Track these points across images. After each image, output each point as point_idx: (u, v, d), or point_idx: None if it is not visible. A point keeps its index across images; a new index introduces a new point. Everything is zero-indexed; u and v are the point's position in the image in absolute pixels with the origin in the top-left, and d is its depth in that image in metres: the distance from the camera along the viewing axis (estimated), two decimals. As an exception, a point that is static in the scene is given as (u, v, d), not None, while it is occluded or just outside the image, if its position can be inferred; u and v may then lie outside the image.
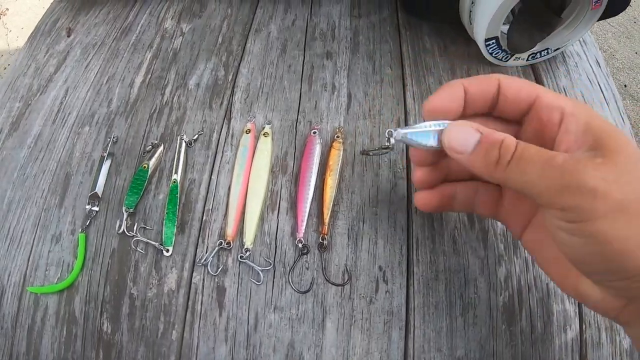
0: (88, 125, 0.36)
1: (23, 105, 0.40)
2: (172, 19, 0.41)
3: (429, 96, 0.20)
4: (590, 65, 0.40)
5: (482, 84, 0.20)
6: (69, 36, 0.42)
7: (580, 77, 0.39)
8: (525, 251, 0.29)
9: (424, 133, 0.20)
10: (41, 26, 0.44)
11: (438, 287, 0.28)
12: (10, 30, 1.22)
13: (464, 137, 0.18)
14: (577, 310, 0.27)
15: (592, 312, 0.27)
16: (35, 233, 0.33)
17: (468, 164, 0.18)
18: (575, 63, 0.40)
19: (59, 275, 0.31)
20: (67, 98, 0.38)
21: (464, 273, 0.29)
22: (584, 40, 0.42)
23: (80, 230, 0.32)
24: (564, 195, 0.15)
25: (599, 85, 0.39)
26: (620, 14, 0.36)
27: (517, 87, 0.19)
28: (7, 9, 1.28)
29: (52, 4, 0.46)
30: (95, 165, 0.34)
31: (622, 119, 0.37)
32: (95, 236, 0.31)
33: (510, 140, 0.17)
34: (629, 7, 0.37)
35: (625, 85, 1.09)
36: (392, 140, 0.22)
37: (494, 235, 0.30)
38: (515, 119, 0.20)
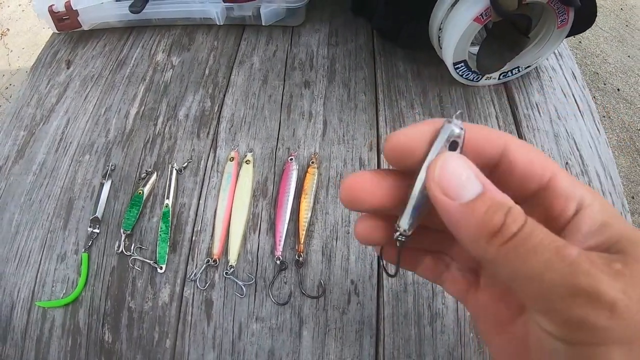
0: (88, 154, 0.42)
1: (27, 134, 0.46)
2: (163, 52, 0.48)
3: (395, 131, 0.15)
4: (566, 78, 0.44)
5: (482, 138, 0.14)
6: (68, 68, 0.49)
7: (554, 91, 0.43)
8: None
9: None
10: (42, 57, 0.51)
11: (407, 298, 0.34)
12: (12, 51, 1.29)
13: (464, 178, 0.13)
14: None
15: None
16: (42, 253, 0.39)
17: (454, 218, 0.13)
18: (550, 77, 0.44)
19: (64, 290, 0.37)
20: (68, 128, 0.44)
21: (431, 285, 0.34)
22: (559, 53, 0.46)
23: (83, 250, 0.38)
24: (571, 302, 0.11)
25: (574, 97, 0.43)
26: (612, 18, 0.40)
27: (529, 159, 0.14)
28: (8, 30, 1.35)
29: (51, 36, 0.53)
30: (96, 191, 0.40)
31: (598, 129, 0.41)
32: (97, 255, 0.37)
33: (519, 209, 0.12)
34: (620, 10, 0.41)
35: (618, 89, 1.13)
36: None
37: None
38: (514, 197, 0.13)
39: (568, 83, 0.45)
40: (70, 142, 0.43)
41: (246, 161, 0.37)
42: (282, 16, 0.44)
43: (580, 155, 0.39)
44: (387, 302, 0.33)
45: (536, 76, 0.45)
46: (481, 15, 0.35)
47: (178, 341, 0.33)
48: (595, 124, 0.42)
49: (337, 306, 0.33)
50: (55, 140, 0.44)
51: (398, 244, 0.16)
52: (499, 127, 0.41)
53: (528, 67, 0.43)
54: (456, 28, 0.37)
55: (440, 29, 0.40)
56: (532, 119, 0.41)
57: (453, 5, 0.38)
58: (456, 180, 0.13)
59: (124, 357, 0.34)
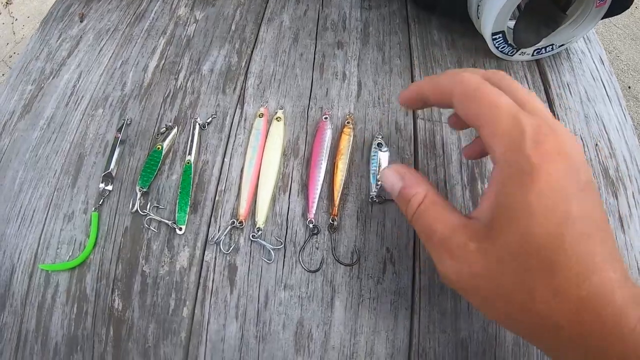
0: (102, 107, 0.39)
1: (35, 88, 0.42)
2: (185, 6, 0.44)
3: (401, 91, 0.26)
4: (594, 62, 0.43)
5: (437, 93, 0.23)
6: (81, 21, 0.45)
7: (584, 73, 0.41)
8: None
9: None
10: (53, 12, 0.47)
11: None
12: (16, 19, 1.26)
13: (391, 181, 0.24)
14: None
15: None
16: (47, 212, 0.35)
17: (396, 200, 0.24)
18: (579, 59, 0.42)
19: (70, 253, 0.33)
20: (80, 81, 0.41)
21: None
22: (588, 38, 0.45)
23: (93, 209, 0.34)
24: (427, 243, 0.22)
25: (602, 82, 0.41)
26: (626, 15, 0.39)
27: (464, 113, 0.21)
28: None
29: (64, -11, 0.49)
30: (109, 146, 0.36)
31: (624, 115, 0.39)
32: (108, 215, 0.34)
33: (417, 198, 0.22)
34: (635, 9, 0.39)
35: (629, 87, 1.12)
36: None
37: None
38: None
39: (596, 67, 0.43)
40: (82, 96, 0.40)
41: (277, 118, 0.34)
42: (315, -26, 0.41)
43: (609, 139, 0.37)
44: (424, 272, 0.30)
45: (567, 57, 0.43)
46: None
47: (197, 309, 0.30)
48: (622, 110, 0.40)
49: (371, 275, 0.30)
50: (65, 94, 0.40)
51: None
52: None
53: (562, 45, 0.41)
54: None
55: (480, -3, 0.37)
56: (564, 98, 0.39)
57: None
58: (387, 184, 0.25)
59: (136, 326, 0.30)
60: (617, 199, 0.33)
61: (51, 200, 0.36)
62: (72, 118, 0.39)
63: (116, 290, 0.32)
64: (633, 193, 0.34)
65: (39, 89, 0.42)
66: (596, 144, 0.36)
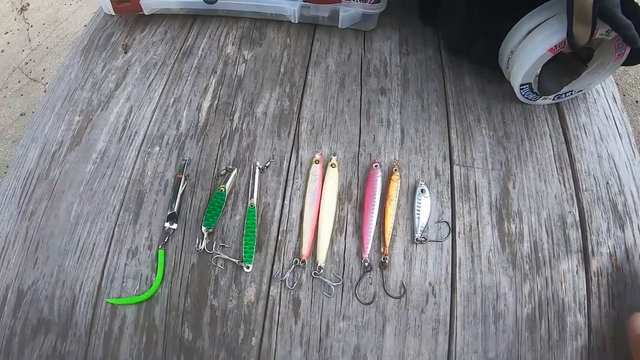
0: (158, 145, 0.40)
1: (84, 120, 0.43)
2: (232, 44, 0.46)
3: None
4: (607, 101, 0.47)
5: None
6: (126, 52, 0.46)
7: (598, 113, 0.46)
8: (546, 271, 0.36)
9: None
10: (94, 40, 0.47)
11: (476, 300, 0.35)
12: (32, 26, 1.19)
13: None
14: (586, 322, 0.34)
15: (600, 324, 0.34)
16: (109, 247, 0.37)
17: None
18: (594, 99, 0.47)
19: (137, 287, 0.36)
20: (131, 116, 0.42)
21: (496, 288, 0.36)
22: (603, 81, 0.48)
23: (159, 246, 0.36)
24: None
25: (614, 120, 0.46)
26: None
27: None
28: (28, 4, 1.25)
29: (102, 17, 0.49)
30: (169, 185, 0.38)
31: (633, 151, 0.44)
32: (174, 252, 0.36)
33: None
34: None
35: (637, 102, 1.13)
36: None
37: (521, 257, 0.37)
38: None
39: (609, 106, 0.47)
40: (136, 132, 0.41)
41: (331, 165, 0.37)
42: (357, 20, 0.44)
43: (619, 176, 0.42)
44: (460, 303, 0.35)
45: (583, 98, 0.47)
46: (555, 46, 0.37)
47: (265, 338, 0.33)
48: (631, 146, 0.45)
49: (416, 305, 0.35)
50: (117, 129, 0.42)
51: None
52: (552, 145, 0.43)
53: (580, 91, 0.45)
54: (530, 56, 0.39)
55: (512, 52, 0.41)
56: (580, 139, 0.44)
57: (528, 32, 0.39)
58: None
59: (206, 355, 0.34)
60: (623, 231, 0.38)
61: (112, 235, 0.37)
62: (126, 154, 0.40)
63: (186, 322, 0.34)
64: (638, 225, 0.38)
65: (87, 120, 0.43)
66: (607, 182, 0.41)
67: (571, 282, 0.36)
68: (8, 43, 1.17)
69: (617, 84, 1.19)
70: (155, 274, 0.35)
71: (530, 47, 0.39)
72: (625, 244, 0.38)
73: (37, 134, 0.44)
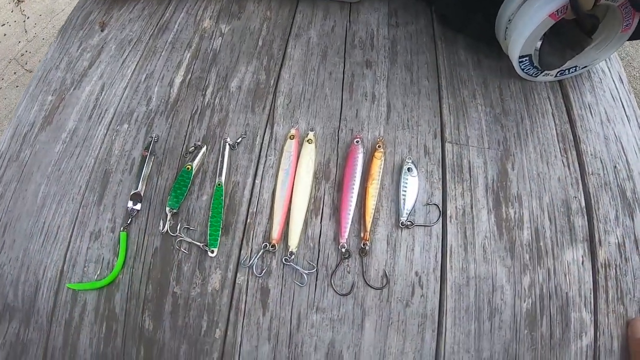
0: (127, 123, 0.38)
1: (56, 99, 0.41)
2: (210, 18, 0.43)
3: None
4: (614, 82, 0.43)
5: None
6: (102, 31, 0.44)
7: (604, 93, 0.42)
8: (548, 261, 0.32)
9: None
10: (72, 19, 0.46)
11: (469, 292, 0.31)
12: (28, 17, 1.22)
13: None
14: (593, 319, 0.31)
15: (607, 320, 0.31)
16: (73, 229, 0.35)
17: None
18: (600, 79, 0.43)
19: (98, 272, 0.33)
20: (103, 94, 0.40)
21: (492, 280, 0.32)
22: (608, 57, 0.45)
23: (121, 228, 0.33)
24: None
25: (622, 102, 0.42)
26: None
27: None
28: None
29: (82, -4, 0.47)
30: (135, 163, 0.36)
31: None
32: (137, 235, 0.33)
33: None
34: None
35: None
36: None
37: (520, 245, 0.33)
38: None
39: (616, 87, 0.43)
40: (106, 110, 0.39)
41: (308, 140, 0.34)
42: (341, -10, 0.40)
43: (627, 160, 0.38)
44: (450, 296, 0.31)
45: (587, 77, 0.43)
46: (557, 11, 0.33)
47: (229, 331, 0.30)
48: None
49: (400, 298, 0.31)
50: (88, 107, 0.39)
51: None
52: (555, 124, 0.39)
53: (585, 67, 0.41)
54: (530, 22, 0.35)
55: (509, 20, 0.37)
56: (585, 119, 0.40)
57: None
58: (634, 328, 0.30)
59: (167, 347, 0.30)
60: (633, 220, 0.34)
61: (76, 217, 0.35)
62: (96, 132, 0.38)
63: (147, 311, 0.31)
64: None
65: (60, 100, 0.41)
66: (615, 166, 0.37)
67: (576, 274, 0.32)
68: (5, 35, 1.19)
69: None
70: (117, 258, 0.33)
71: (529, 13, 0.35)
72: (634, 234, 0.33)
73: (12, 116, 0.42)
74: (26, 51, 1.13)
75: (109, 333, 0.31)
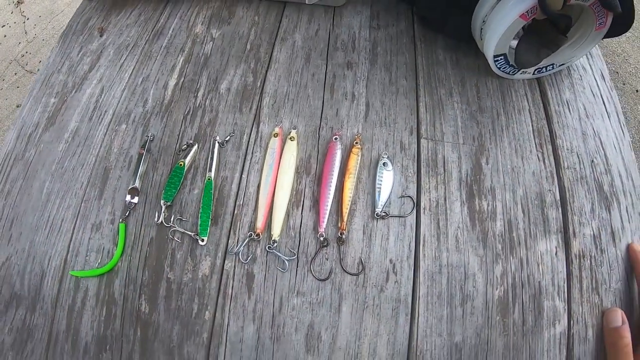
0: (125, 123, 0.41)
1: (59, 101, 0.44)
2: (202, 24, 0.46)
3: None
4: (595, 79, 0.44)
5: None
6: (101, 36, 0.47)
7: (584, 90, 0.43)
8: (521, 251, 0.34)
9: None
10: (73, 25, 0.49)
11: (441, 279, 0.33)
12: (28, 18, 1.25)
13: (614, 317, 0.31)
14: (566, 307, 0.32)
15: (581, 309, 0.32)
16: (76, 222, 0.38)
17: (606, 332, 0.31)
18: (580, 76, 0.44)
19: (99, 260, 0.36)
20: (102, 96, 0.43)
21: (464, 268, 0.34)
22: (590, 54, 0.46)
23: (120, 220, 0.36)
24: None
25: (602, 98, 0.43)
26: (636, 18, 0.38)
27: None
28: None
29: (82, 3, 0.50)
30: (133, 161, 0.39)
31: (623, 131, 0.41)
32: (134, 226, 0.36)
33: (623, 342, 0.30)
34: None
35: (637, 90, 1.10)
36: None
37: (493, 236, 0.35)
38: None
39: (597, 83, 0.45)
40: (105, 111, 0.42)
41: (290, 138, 0.36)
42: (325, -5, 0.43)
43: (605, 155, 0.39)
44: (423, 282, 0.33)
45: (567, 74, 0.44)
46: (527, 12, 0.35)
47: (218, 313, 0.33)
48: (621, 126, 0.42)
49: (375, 284, 0.33)
50: (88, 109, 0.42)
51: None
52: (532, 121, 0.41)
53: (562, 64, 0.43)
54: (501, 22, 0.37)
55: (484, 21, 0.39)
56: (563, 115, 0.41)
57: (499, 0, 0.37)
58: (612, 317, 0.32)
59: (161, 328, 0.33)
60: (610, 213, 0.35)
61: (79, 210, 0.38)
62: (96, 132, 0.41)
63: (143, 295, 0.34)
64: (627, 207, 0.36)
65: (62, 102, 0.44)
66: (592, 161, 0.38)
67: (549, 264, 0.33)
68: (5, 36, 1.23)
69: (617, 72, 1.14)
70: (116, 248, 0.36)
71: (501, 14, 0.37)
72: (611, 226, 0.35)
73: (16, 117, 0.45)
74: (26, 52, 1.17)
75: (109, 316, 0.34)
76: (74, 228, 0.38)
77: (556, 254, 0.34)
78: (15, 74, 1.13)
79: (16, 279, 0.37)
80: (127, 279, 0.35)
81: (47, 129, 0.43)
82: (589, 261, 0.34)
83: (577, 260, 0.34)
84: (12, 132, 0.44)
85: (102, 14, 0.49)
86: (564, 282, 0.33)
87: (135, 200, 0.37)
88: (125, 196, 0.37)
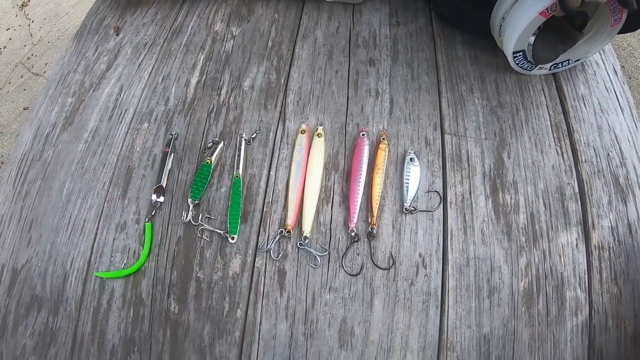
0: (147, 122, 0.40)
1: (76, 101, 0.43)
2: (221, 21, 0.46)
3: None
4: (608, 74, 0.45)
5: None
6: (117, 35, 0.46)
7: (597, 85, 0.44)
8: (543, 243, 0.35)
9: None
10: (87, 24, 0.48)
11: (469, 272, 0.34)
12: (33, 21, 1.24)
13: None
14: (587, 298, 0.33)
15: (601, 300, 0.33)
16: (99, 222, 0.37)
17: None
18: (594, 71, 0.45)
19: (124, 261, 0.36)
20: (122, 95, 0.42)
21: (490, 261, 0.34)
22: (602, 49, 0.47)
23: (146, 219, 0.36)
24: None
25: (615, 93, 0.44)
26: None
27: None
28: (29, 0, 1.29)
29: (95, 2, 0.50)
30: (157, 160, 0.38)
31: (636, 125, 0.42)
32: (161, 225, 0.36)
33: None
34: None
35: None
36: None
37: (516, 229, 0.35)
38: None
39: (610, 78, 0.46)
40: (126, 110, 0.41)
41: (317, 134, 0.37)
42: (345, -7, 0.43)
43: (620, 149, 0.40)
44: (452, 275, 0.34)
45: (581, 69, 0.45)
46: (547, 9, 0.36)
47: (250, 311, 0.33)
48: (634, 120, 0.43)
49: (406, 277, 0.33)
50: (107, 108, 0.42)
51: None
52: (549, 116, 0.42)
53: (577, 60, 0.44)
54: (521, 19, 0.38)
55: (503, 18, 0.40)
56: (579, 110, 0.42)
57: None
58: None
59: (192, 328, 0.33)
60: (626, 205, 0.36)
61: (102, 210, 0.38)
62: (117, 131, 0.41)
63: (172, 295, 0.34)
64: None
65: (79, 102, 0.43)
66: (608, 154, 0.39)
67: (570, 255, 0.34)
68: (10, 39, 1.21)
69: (623, 66, 1.16)
70: (143, 247, 0.35)
71: (521, 11, 0.37)
72: (627, 218, 0.36)
73: (32, 118, 0.45)
74: (32, 55, 1.15)
75: (137, 317, 0.34)
76: (97, 228, 0.37)
77: (577, 245, 0.35)
78: (22, 76, 1.12)
79: (37, 282, 0.36)
80: (155, 279, 0.35)
81: (65, 128, 0.42)
82: (607, 252, 0.34)
83: (597, 251, 0.34)
84: (28, 133, 0.43)
85: (116, 12, 0.48)
86: (585, 273, 0.34)
87: (161, 199, 0.36)
88: (151, 195, 0.37)
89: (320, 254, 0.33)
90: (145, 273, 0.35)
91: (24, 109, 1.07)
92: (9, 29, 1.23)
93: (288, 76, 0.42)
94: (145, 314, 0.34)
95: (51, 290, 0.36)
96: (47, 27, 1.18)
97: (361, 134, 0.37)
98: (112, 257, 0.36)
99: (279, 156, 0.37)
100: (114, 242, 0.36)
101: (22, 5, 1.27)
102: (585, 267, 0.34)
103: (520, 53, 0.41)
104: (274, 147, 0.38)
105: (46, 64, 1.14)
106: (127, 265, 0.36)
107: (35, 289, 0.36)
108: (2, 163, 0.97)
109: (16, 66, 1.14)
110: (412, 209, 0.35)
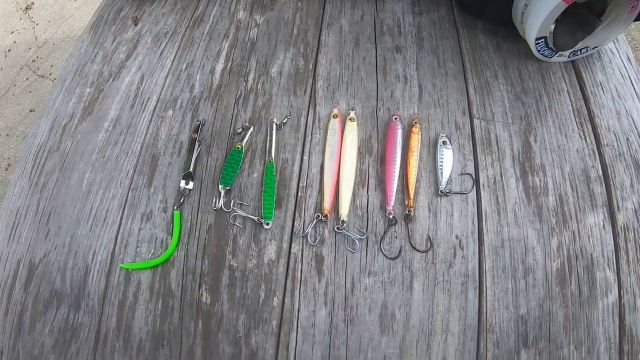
0: (171, 109, 0.40)
1: (95, 91, 0.42)
2: (244, 10, 0.46)
3: None
4: (622, 61, 0.46)
5: None
6: (136, 25, 0.46)
7: (614, 72, 0.45)
8: (573, 225, 0.35)
9: None
10: (103, 15, 0.48)
11: (504, 253, 0.34)
12: (37, 24, 1.23)
13: None
14: (616, 278, 0.33)
15: (629, 280, 0.33)
16: (123, 212, 0.36)
17: None
18: (609, 59, 0.46)
19: (151, 251, 0.34)
20: (143, 84, 0.42)
21: (524, 242, 0.34)
22: (616, 38, 0.48)
23: (174, 207, 0.35)
24: None
25: (630, 79, 0.45)
26: None
27: None
28: (33, 3, 1.29)
29: (111, -7, 0.49)
30: (183, 147, 0.38)
31: None
32: (190, 213, 0.35)
33: None
34: None
35: None
36: None
37: (547, 210, 0.36)
38: None
39: (625, 66, 0.47)
40: (148, 98, 0.41)
41: (350, 119, 0.36)
42: (367, -18, 0.44)
43: (638, 133, 0.41)
44: (488, 257, 0.34)
45: (598, 57, 0.47)
46: None
47: (287, 299, 0.32)
48: None
49: (444, 260, 0.33)
50: (129, 97, 0.41)
51: None
52: (571, 101, 0.42)
53: (595, 47, 0.45)
54: (545, 6, 0.38)
55: (525, 5, 0.41)
56: (598, 96, 0.43)
57: None
58: None
59: (225, 319, 0.32)
60: None
61: (126, 200, 0.36)
62: (139, 120, 0.40)
63: (203, 285, 0.33)
64: None
65: (98, 92, 0.42)
66: (627, 138, 0.40)
67: (598, 236, 0.35)
68: (15, 42, 1.20)
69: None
70: (171, 237, 0.34)
71: (544, -2, 0.38)
72: None
73: (48, 109, 0.43)
74: (37, 57, 1.14)
75: (166, 309, 0.33)
76: (121, 219, 0.36)
77: (604, 227, 0.35)
78: (27, 79, 1.10)
79: (56, 276, 0.35)
80: (184, 269, 0.34)
81: (83, 118, 0.41)
82: (633, 233, 0.35)
83: (623, 232, 0.35)
84: (45, 124, 0.42)
85: (134, 3, 0.48)
86: (612, 254, 0.34)
87: (190, 186, 0.36)
88: (179, 182, 0.36)
89: (359, 237, 0.33)
90: (175, 263, 0.34)
91: (30, 111, 1.05)
92: (13, 32, 1.22)
93: (316, 62, 0.42)
94: (175, 305, 0.33)
95: (71, 285, 0.34)
96: (52, 30, 1.17)
97: (394, 117, 0.37)
98: (138, 247, 0.35)
99: (311, 141, 0.37)
100: (139, 232, 0.35)
101: (26, 8, 1.26)
102: (613, 248, 0.34)
103: (542, 39, 0.42)
104: (305, 131, 0.37)
105: (52, 65, 1.13)
106: (154, 256, 0.34)
107: (55, 284, 0.35)
108: (9, 165, 0.94)
109: (21, 69, 1.13)
110: (447, 191, 0.35)
